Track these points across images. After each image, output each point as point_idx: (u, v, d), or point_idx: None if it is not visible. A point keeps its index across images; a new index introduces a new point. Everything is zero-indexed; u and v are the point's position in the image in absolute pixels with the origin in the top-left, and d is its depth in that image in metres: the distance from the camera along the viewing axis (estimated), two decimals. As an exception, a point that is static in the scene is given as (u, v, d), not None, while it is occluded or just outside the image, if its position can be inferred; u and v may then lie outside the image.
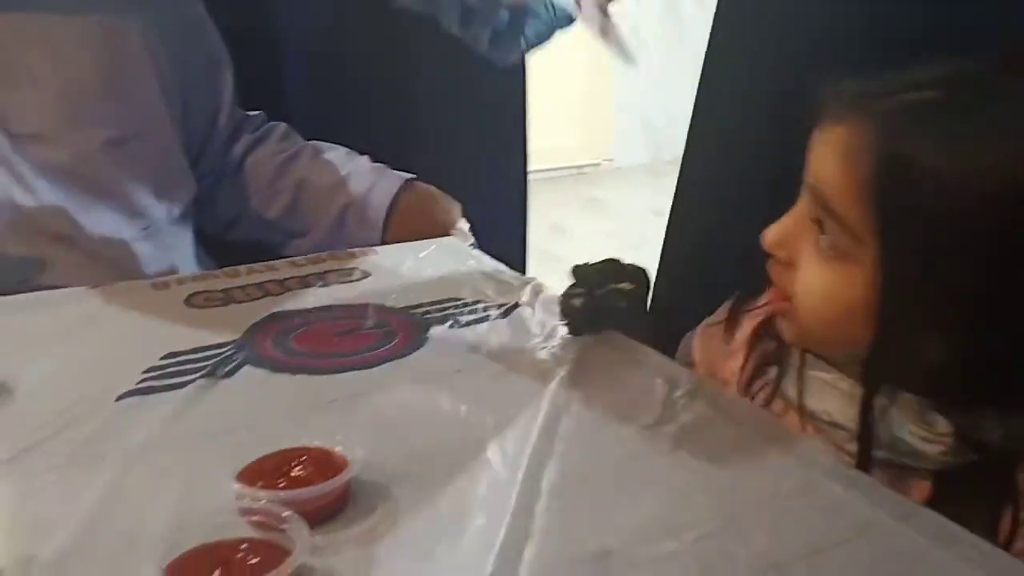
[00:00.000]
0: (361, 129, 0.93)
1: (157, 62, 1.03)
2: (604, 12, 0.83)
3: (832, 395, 0.68)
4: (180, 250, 1.07)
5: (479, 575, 0.50)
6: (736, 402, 0.69)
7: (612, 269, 0.78)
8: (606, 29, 0.83)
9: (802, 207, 0.68)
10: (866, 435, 0.64)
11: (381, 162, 1.11)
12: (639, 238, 3.65)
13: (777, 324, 0.72)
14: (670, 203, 1.10)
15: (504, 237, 0.93)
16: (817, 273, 0.67)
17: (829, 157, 0.65)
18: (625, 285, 0.76)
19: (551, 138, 4.05)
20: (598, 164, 4.59)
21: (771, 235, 0.69)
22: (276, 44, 1.22)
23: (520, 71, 1.36)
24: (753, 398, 0.73)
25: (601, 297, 0.76)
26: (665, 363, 0.74)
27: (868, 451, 0.64)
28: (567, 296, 0.77)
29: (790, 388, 0.71)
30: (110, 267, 0.98)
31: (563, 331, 0.79)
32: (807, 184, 0.67)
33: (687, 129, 1.04)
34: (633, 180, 4.46)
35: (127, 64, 1.00)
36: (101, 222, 0.99)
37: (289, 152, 1.11)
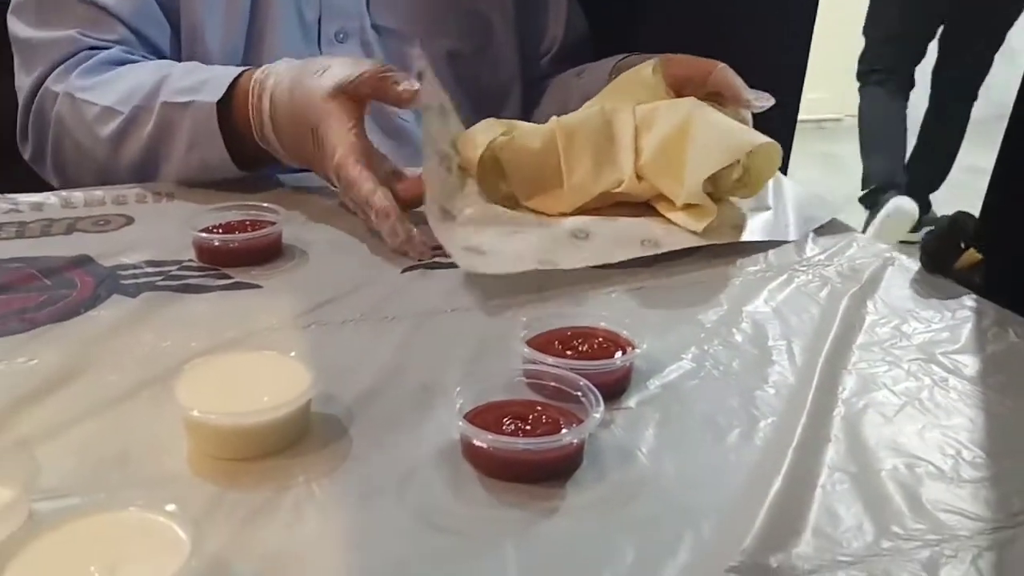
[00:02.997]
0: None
1: None
2: None
3: None
4: None
5: (775, 468, 0.48)
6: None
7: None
8: None
9: None
10: None
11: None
12: (878, 199, 3.44)
13: None
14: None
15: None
16: None
17: None
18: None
19: (793, 89, 3.86)
20: (839, 119, 4.34)
21: None
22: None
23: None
24: None
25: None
26: (968, 295, 0.68)
27: None
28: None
29: None
30: None
31: (850, 249, 0.75)
32: None
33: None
34: (878, 139, 4.19)
35: None
36: None
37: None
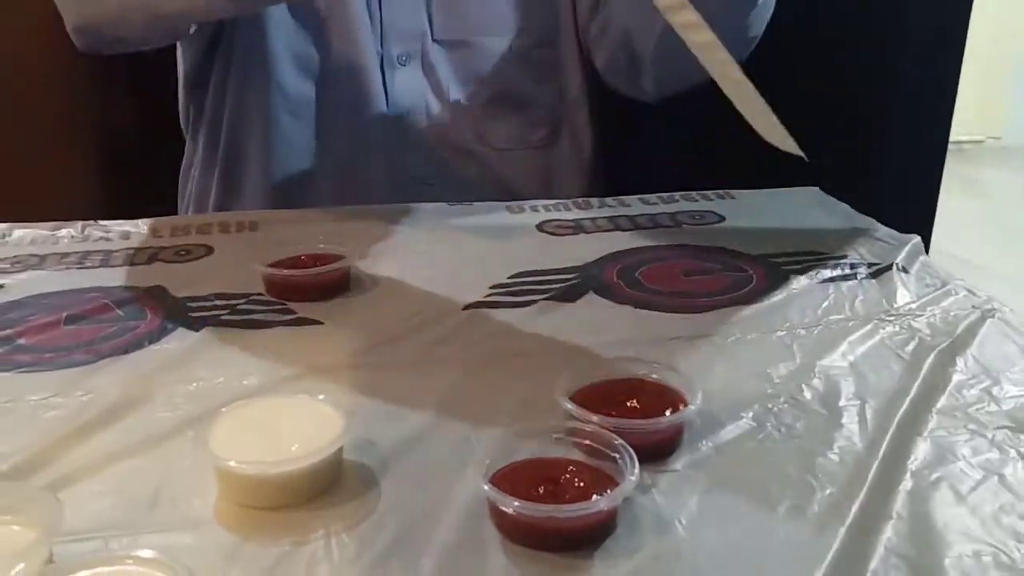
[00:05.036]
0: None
1: None
2: None
3: None
4: (566, 169, 1.05)
5: (824, 548, 0.44)
6: None
7: None
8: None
9: None
10: None
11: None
12: (1019, 227, 3.24)
13: None
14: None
15: (911, 203, 0.80)
16: None
17: None
18: None
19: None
20: (981, 141, 4.12)
21: None
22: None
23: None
24: None
25: None
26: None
27: None
28: None
29: None
30: (495, 184, 0.99)
31: (947, 299, 0.69)
32: None
33: None
34: (1021, 161, 3.96)
35: None
36: (503, 132, 1.00)
37: None
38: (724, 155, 1.15)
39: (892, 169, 0.82)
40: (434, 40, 0.97)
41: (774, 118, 0.61)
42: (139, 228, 0.85)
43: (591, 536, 0.45)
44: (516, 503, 0.44)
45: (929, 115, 1.15)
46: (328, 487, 0.49)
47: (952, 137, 4.19)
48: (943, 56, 1.18)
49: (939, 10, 1.16)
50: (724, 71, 0.60)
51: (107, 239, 0.83)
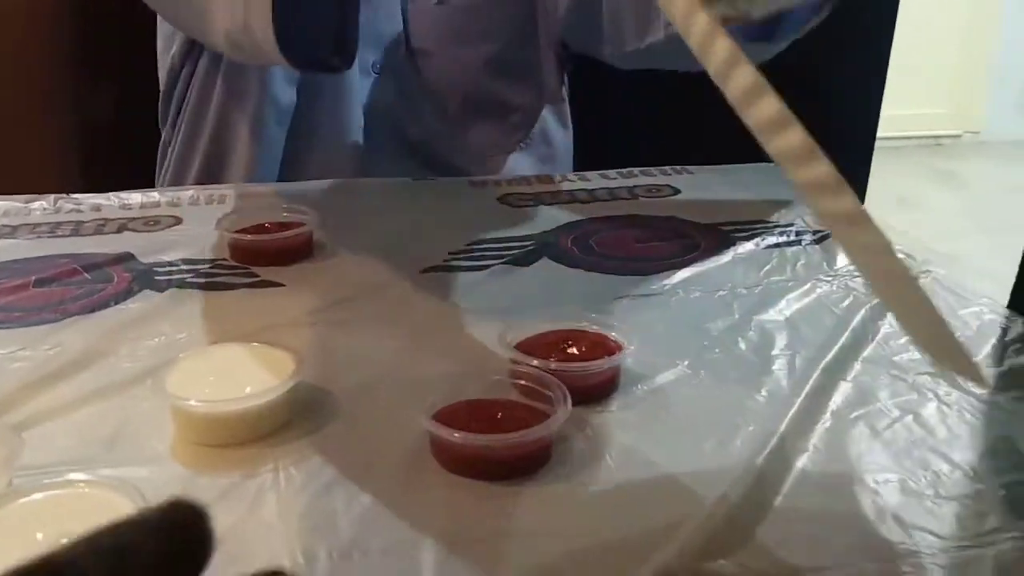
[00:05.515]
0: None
1: None
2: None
3: None
4: (541, 167, 1.05)
5: (744, 474, 0.47)
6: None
7: None
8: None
9: None
10: None
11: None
12: (996, 219, 3.29)
13: None
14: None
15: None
16: None
17: None
18: None
19: (908, 103, 3.74)
20: (959, 136, 4.17)
21: None
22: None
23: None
24: None
25: None
26: (1000, 309, 0.65)
27: None
28: None
29: None
30: None
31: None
32: None
33: None
34: (1000, 156, 4.01)
35: None
36: (481, 138, 1.01)
37: None
38: (700, 144, 1.18)
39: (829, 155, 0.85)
40: (410, 48, 0.98)
41: (954, 339, 0.39)
42: (110, 201, 0.87)
43: (525, 465, 0.48)
44: (456, 434, 0.47)
45: (860, 110, 1.18)
46: (280, 427, 0.51)
47: (931, 132, 4.26)
48: (874, 47, 1.22)
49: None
50: (890, 285, 0.41)
51: (79, 211, 0.85)
